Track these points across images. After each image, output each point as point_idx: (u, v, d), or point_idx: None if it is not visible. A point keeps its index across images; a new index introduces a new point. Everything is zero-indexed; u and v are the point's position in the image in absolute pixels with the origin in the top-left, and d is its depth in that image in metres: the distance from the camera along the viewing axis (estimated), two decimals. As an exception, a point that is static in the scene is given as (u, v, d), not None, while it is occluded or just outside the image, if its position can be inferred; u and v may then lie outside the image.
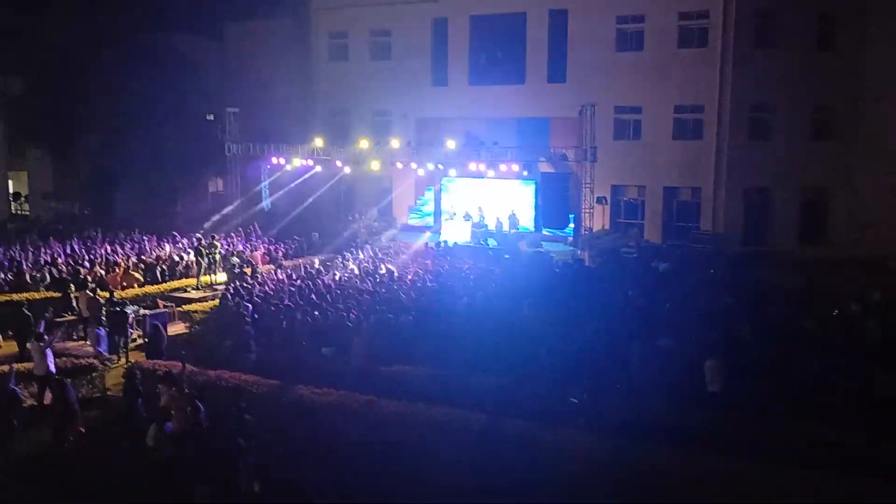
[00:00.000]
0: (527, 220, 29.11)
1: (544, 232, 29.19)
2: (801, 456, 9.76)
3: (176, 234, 27.29)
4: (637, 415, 11.25)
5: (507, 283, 18.95)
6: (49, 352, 13.88)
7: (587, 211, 26.52)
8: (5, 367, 13.22)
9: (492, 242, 27.43)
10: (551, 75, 30.21)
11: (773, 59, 26.85)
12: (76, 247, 24.46)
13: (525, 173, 27.52)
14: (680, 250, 25.41)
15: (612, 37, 28.97)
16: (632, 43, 28.96)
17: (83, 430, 12.22)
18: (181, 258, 23.57)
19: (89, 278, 20.13)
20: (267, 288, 19.02)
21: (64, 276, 20.53)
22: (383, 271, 20.86)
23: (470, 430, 10.90)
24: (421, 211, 32.53)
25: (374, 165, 28.77)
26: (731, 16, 27.00)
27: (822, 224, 27.97)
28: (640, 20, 28.56)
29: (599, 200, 27.69)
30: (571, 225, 28.73)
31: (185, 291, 21.51)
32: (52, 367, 13.78)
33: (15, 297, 18.66)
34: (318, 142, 29.35)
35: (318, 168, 30.21)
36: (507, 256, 24.34)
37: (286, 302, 16.88)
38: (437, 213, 31.31)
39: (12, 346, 16.84)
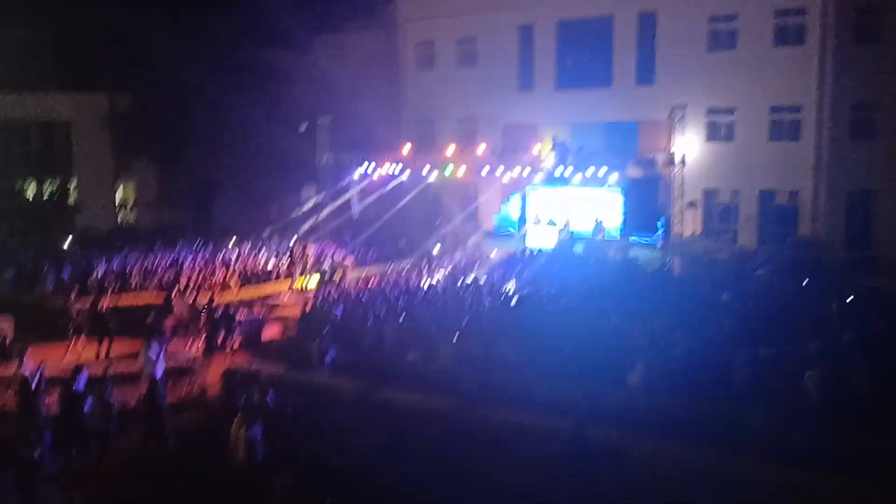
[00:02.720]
0: (614, 226, 28.62)
1: (632, 238, 28.59)
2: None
3: (270, 240, 28.31)
4: (734, 425, 10.91)
5: (595, 289, 18.71)
6: (160, 357, 14.52)
7: (677, 216, 25.84)
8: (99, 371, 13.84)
9: (578, 249, 27.11)
10: (640, 77, 29.65)
11: (874, 55, 25.45)
12: (177, 253, 25.70)
13: (615, 176, 26.92)
14: (778, 256, 24.41)
15: (703, 36, 28.17)
16: (724, 42, 28.07)
17: (168, 435, 12.59)
18: (275, 264, 24.41)
19: (189, 284, 21.12)
20: (356, 293, 19.47)
21: (166, 281, 21.60)
22: (469, 279, 20.97)
23: (557, 436, 10.83)
24: (507, 218, 32.47)
25: (460, 172, 28.94)
26: (830, 11, 25.80)
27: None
28: (734, 18, 27.67)
29: (690, 205, 26.92)
30: (661, 231, 28.03)
31: (279, 296, 22.25)
32: (160, 373, 14.45)
33: (120, 301, 19.74)
34: (406, 149, 29.81)
35: (406, 175, 30.66)
36: (592, 262, 24.01)
37: (373, 307, 17.24)
38: (523, 220, 31.20)
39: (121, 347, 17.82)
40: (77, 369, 13.05)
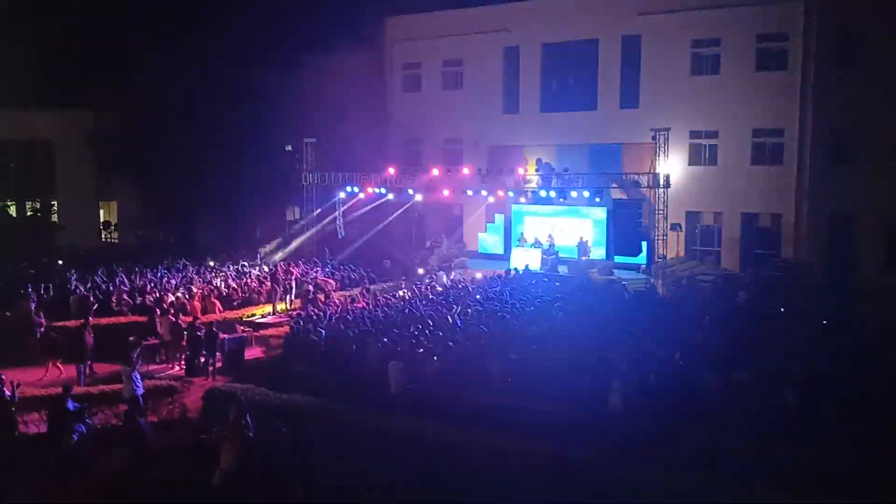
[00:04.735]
0: (598, 247, 28.76)
1: (616, 259, 28.73)
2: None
3: (254, 260, 28.18)
4: (713, 447, 10.90)
5: (578, 311, 18.73)
6: (137, 375, 14.44)
7: (660, 238, 26.02)
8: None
9: (562, 270, 27.18)
10: (624, 101, 29.97)
11: (856, 80, 25.85)
12: (160, 274, 25.49)
13: (597, 199, 27.15)
14: (759, 279, 24.57)
15: (686, 61, 28.58)
16: (707, 67, 28.48)
17: (149, 454, 12.43)
18: (259, 284, 24.27)
19: (172, 304, 20.94)
20: (339, 314, 19.36)
21: (148, 301, 21.41)
22: (453, 299, 20.92)
23: (538, 459, 10.77)
24: (491, 237, 32.52)
25: (446, 193, 29.05)
26: (811, 37, 26.25)
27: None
28: (716, 43, 28.09)
29: (674, 228, 27.11)
30: (644, 252, 28.17)
31: (262, 317, 22.12)
32: (140, 391, 14.33)
33: (102, 321, 19.54)
34: (391, 170, 29.88)
35: (391, 196, 30.69)
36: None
37: (356, 328, 17.14)
38: (508, 241, 31.28)
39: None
40: (66, 390, 12.90)
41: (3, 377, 13.54)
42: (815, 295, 21.80)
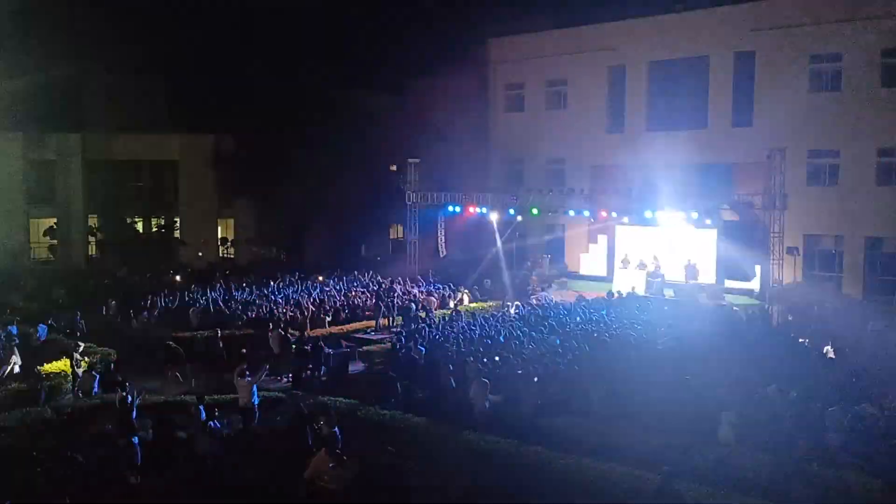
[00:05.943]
0: (707, 270, 27.68)
1: (726, 283, 27.55)
2: None
3: (359, 277, 28.91)
4: (830, 487, 10.25)
5: (685, 337, 18.11)
6: (255, 387, 15.06)
7: (776, 262, 24.80)
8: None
9: (668, 293, 26.35)
10: (736, 119, 28.91)
11: None
12: (272, 288, 26.55)
13: (707, 221, 26.08)
14: (886, 307, 22.99)
15: (804, 77, 27.25)
16: (827, 83, 27.07)
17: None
18: (363, 301, 24.86)
19: (282, 318, 21.75)
20: (439, 332, 19.53)
21: (260, 315, 22.33)
22: (554, 321, 20.70)
23: (643, 489, 10.45)
24: (594, 259, 31.98)
25: (548, 213, 28.84)
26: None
27: None
28: (837, 59, 26.66)
29: (790, 251, 25.78)
30: (757, 277, 26.88)
31: (366, 333, 22.61)
32: (256, 400, 14.91)
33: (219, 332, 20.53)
34: (494, 190, 29.98)
35: (493, 216, 30.76)
36: (683, 308, 23.27)
37: (456, 347, 17.24)
38: (611, 262, 30.66)
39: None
40: (199, 398, 13.67)
41: (129, 384, 14.47)
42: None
